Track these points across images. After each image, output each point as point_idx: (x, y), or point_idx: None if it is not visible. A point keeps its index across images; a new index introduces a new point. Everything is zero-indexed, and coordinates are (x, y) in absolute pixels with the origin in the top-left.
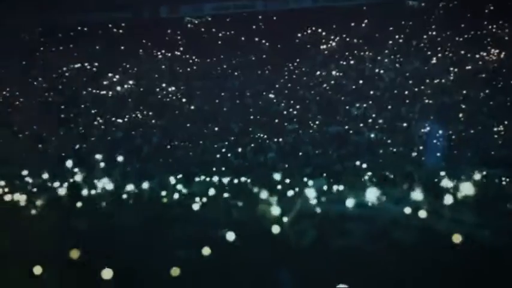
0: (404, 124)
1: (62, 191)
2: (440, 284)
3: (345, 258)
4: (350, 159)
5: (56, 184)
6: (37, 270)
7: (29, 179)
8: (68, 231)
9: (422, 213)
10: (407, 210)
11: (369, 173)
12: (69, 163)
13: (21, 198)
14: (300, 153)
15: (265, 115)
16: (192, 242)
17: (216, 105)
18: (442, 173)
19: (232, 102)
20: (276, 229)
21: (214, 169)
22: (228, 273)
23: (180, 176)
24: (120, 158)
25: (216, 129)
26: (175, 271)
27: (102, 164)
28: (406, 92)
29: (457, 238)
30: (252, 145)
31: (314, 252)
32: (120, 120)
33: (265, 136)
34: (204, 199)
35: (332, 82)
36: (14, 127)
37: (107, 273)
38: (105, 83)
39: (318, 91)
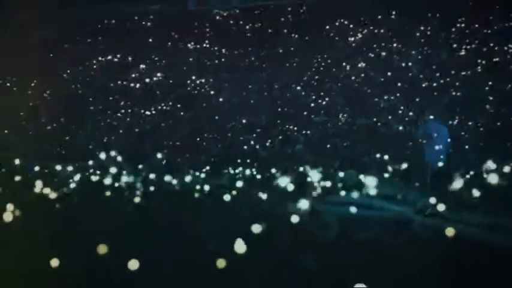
0: (431, 116)
1: (90, 184)
2: (463, 281)
3: (367, 252)
4: (378, 152)
5: (84, 176)
6: (54, 262)
7: (56, 172)
8: (96, 224)
9: (446, 207)
10: (432, 201)
11: (397, 166)
12: (96, 155)
13: (48, 190)
14: (328, 146)
15: (293, 107)
16: (222, 235)
17: (243, 97)
18: (470, 166)
19: (260, 94)
20: (301, 221)
21: (242, 161)
22: (255, 267)
23: (208, 168)
24: (148, 150)
25: (244, 121)
26: (221, 263)
27: (130, 157)
28: (434, 84)
29: (450, 232)
30: (280, 137)
31: (337, 246)
32: (148, 113)
33: (293, 128)
34: (233, 192)
35: (360, 74)
36: (42, 119)
37: (133, 264)
38: (133, 75)
39: (345, 83)
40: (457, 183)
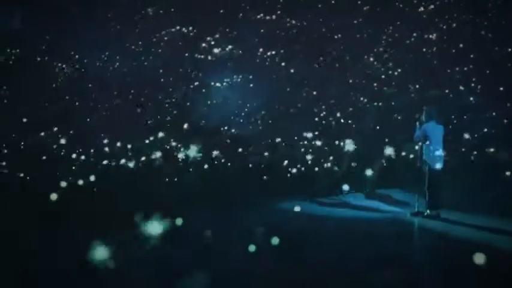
0: (501, 88)
1: (158, 158)
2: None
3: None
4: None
5: (152, 150)
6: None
7: (125, 145)
8: (166, 196)
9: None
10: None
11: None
12: (163, 130)
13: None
14: (399, 118)
15: (364, 79)
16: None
17: (314, 69)
18: None
19: (330, 66)
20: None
21: (312, 133)
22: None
23: (278, 139)
24: (218, 123)
25: (315, 93)
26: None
27: (200, 129)
28: (507, 55)
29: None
30: (351, 109)
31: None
32: (218, 84)
33: (364, 100)
34: (302, 163)
35: (431, 46)
36: (113, 91)
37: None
38: (203, 46)
39: (417, 55)
40: None
